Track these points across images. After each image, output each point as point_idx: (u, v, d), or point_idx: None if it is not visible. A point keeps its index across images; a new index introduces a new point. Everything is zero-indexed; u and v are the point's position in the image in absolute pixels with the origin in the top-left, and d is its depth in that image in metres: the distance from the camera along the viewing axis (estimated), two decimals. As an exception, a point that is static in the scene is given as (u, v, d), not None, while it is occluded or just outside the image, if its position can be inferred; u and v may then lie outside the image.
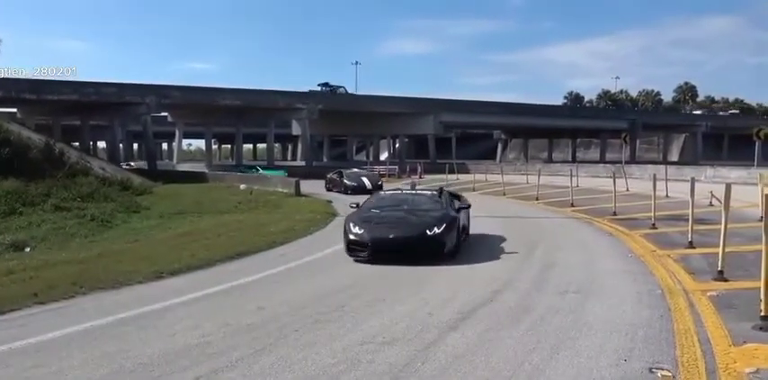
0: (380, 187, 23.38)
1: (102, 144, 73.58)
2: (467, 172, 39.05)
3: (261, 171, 40.64)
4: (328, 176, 31.22)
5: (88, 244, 12.08)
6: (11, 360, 5.04)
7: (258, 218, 16.46)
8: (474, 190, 28.22)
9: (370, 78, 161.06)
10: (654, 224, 13.11)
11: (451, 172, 35.76)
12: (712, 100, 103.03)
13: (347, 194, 25.31)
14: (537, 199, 21.69)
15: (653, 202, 13.58)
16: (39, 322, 6.21)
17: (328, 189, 29.31)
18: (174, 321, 6.32)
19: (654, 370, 4.70)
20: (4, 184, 18.26)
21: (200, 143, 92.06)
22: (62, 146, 26.52)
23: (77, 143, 49.93)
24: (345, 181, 28.37)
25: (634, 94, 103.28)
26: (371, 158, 63.64)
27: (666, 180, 20.44)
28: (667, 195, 18.96)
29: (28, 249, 11.20)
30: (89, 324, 6.11)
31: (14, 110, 49.58)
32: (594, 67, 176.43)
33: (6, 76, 38.88)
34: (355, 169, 33.85)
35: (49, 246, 11.74)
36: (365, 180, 28.64)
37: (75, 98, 42.80)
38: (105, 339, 5.63)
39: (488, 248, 11.39)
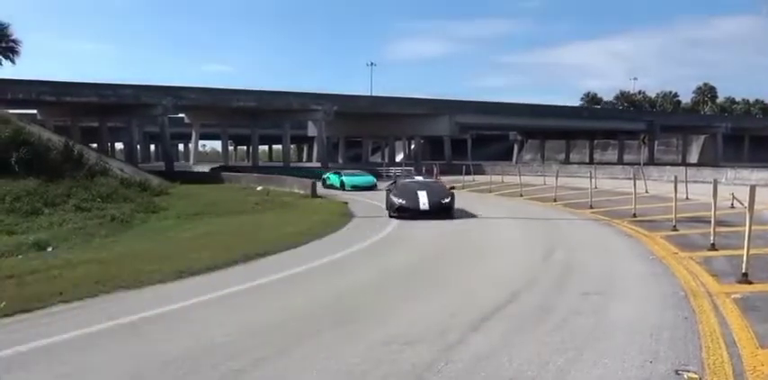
0: (449, 209, 16.64)
1: (119, 145, 74.46)
2: (483, 173, 38.90)
3: (335, 177, 32.67)
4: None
5: (109, 244, 12.18)
6: (37, 358, 5.10)
7: (275, 219, 16.52)
8: (490, 192, 28.13)
9: (385, 80, 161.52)
10: (675, 226, 12.97)
11: (467, 173, 35.64)
12: (732, 101, 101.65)
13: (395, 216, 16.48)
14: (555, 200, 21.55)
15: (674, 203, 13.44)
16: (64, 321, 6.27)
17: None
18: (197, 319, 6.37)
19: (680, 372, 4.66)
20: (26, 184, 18.50)
21: (216, 144, 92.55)
22: (81, 147, 26.78)
23: (96, 144, 50.51)
24: (393, 198, 17.02)
25: (652, 95, 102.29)
26: (387, 160, 63.61)
27: (687, 182, 20.23)
28: (687, 197, 18.76)
29: (50, 249, 11.32)
30: (113, 323, 6.16)
31: (35, 111, 50.27)
32: (611, 68, 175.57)
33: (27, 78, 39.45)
34: (417, 178, 21.38)
35: (71, 245, 11.85)
36: (422, 197, 16.73)
37: (93, 100, 43.29)
38: (129, 338, 5.69)
39: (508, 249, 11.36)
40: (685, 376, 4.59)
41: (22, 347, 5.35)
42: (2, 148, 20.69)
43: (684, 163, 64.64)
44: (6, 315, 6.37)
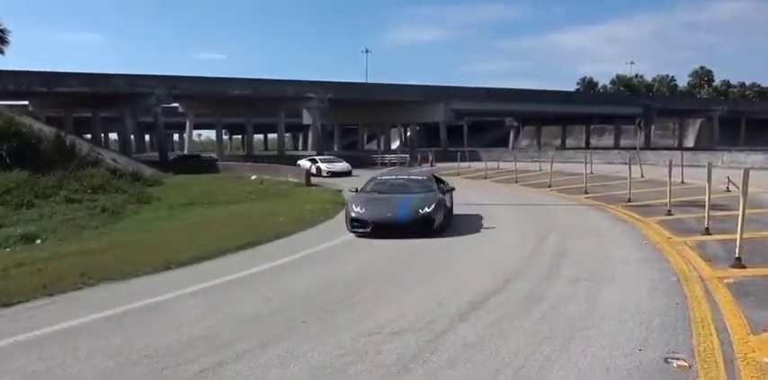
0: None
1: (114, 136, 74.05)
2: (479, 160, 38.76)
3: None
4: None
5: (98, 235, 12.07)
6: (18, 353, 5.01)
7: (268, 208, 16.41)
8: (486, 178, 28.04)
9: (380, 67, 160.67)
10: (669, 211, 12.88)
11: (463, 160, 35.51)
12: (729, 84, 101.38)
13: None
14: (550, 186, 21.45)
15: (668, 188, 13.33)
16: (46, 314, 6.19)
17: None
18: (181, 312, 6.27)
19: (670, 360, 4.57)
20: (16, 176, 18.33)
21: (210, 134, 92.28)
22: (73, 138, 26.61)
23: (89, 135, 50.19)
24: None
25: (649, 79, 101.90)
26: (383, 147, 63.42)
27: (682, 166, 20.13)
28: (683, 182, 18.66)
29: (39, 241, 11.21)
30: (96, 316, 6.07)
31: (26, 103, 49.87)
32: (607, 52, 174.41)
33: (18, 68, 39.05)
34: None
35: (60, 238, 11.74)
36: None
37: (85, 90, 42.92)
38: (112, 331, 5.59)
39: (499, 236, 11.27)
40: (675, 364, 4.51)
41: (2, 342, 5.28)
42: (-8, 140, 20.50)
43: (681, 147, 64.51)
44: (-12, 310, 6.27)
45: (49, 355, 4.94)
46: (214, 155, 55.52)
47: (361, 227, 11.11)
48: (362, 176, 21.24)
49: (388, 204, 11.58)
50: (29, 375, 4.51)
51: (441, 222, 11.43)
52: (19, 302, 6.58)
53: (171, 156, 50.58)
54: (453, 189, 13.89)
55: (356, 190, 13.07)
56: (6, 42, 28.58)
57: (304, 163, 34.84)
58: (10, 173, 18.60)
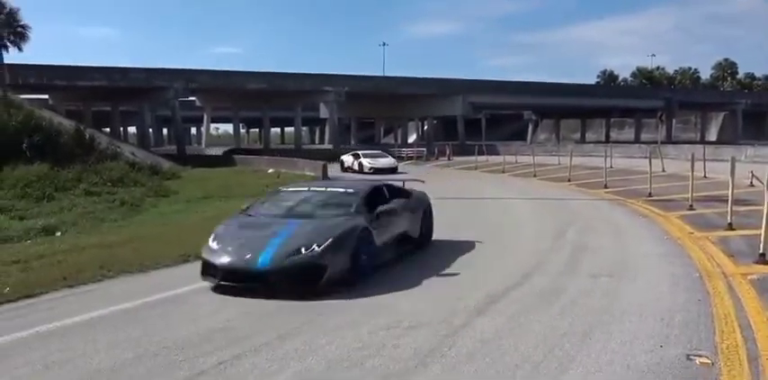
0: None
1: (132, 129, 74.75)
2: (496, 154, 38.52)
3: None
4: None
5: (117, 228, 12.18)
6: (39, 343, 5.06)
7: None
8: (504, 172, 27.86)
9: (397, 60, 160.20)
10: (691, 206, 12.68)
11: (481, 154, 35.30)
12: (753, 77, 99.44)
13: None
14: (569, 180, 21.25)
15: (690, 182, 13.12)
16: (66, 306, 6.24)
17: None
18: (198, 305, 6.29)
19: (692, 357, 4.49)
20: (36, 169, 18.57)
21: (228, 127, 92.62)
22: (92, 131, 26.87)
23: (108, 129, 50.72)
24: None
25: (671, 72, 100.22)
26: (399, 141, 63.29)
27: (704, 160, 19.83)
28: (705, 176, 18.39)
29: (59, 234, 11.33)
30: (115, 308, 6.11)
31: (46, 96, 50.47)
32: (627, 45, 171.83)
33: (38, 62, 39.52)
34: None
35: (80, 230, 11.86)
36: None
37: (104, 84, 43.35)
38: (131, 323, 5.63)
39: (518, 230, 11.19)
40: (697, 361, 4.43)
41: (23, 332, 5.33)
42: (14, 133, 20.76)
43: (703, 141, 63.49)
44: (9, 301, 6.36)
45: (69, 346, 4.99)
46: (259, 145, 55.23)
47: (210, 274, 6.78)
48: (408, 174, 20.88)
49: (259, 237, 6.98)
50: (50, 366, 4.55)
51: (343, 272, 6.66)
52: (40, 293, 6.65)
53: (214, 150, 50.84)
54: (428, 206, 9.74)
55: (243, 210, 8.57)
56: (26, 38, 28.87)
57: (347, 158, 32.21)
58: (31, 166, 18.83)
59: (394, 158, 32.91)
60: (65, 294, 6.74)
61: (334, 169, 28.63)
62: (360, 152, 32.64)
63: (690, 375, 4.23)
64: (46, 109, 31.78)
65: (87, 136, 24.45)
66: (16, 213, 14.11)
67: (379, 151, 34.37)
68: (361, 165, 30.19)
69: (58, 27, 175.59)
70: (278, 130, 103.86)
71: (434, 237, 9.66)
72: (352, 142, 63.93)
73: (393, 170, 28.77)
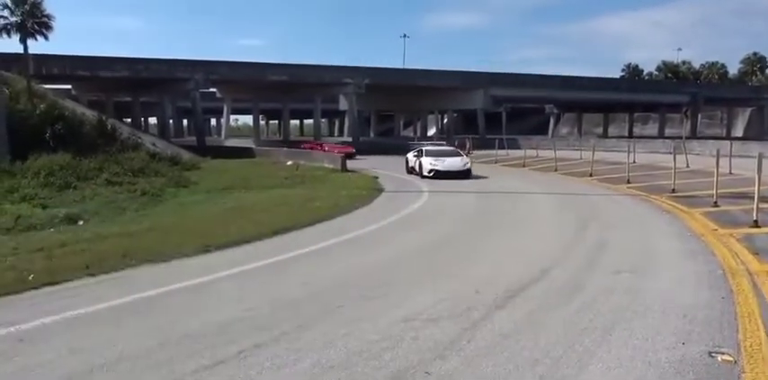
0: None
1: (153, 120, 75.51)
2: (517, 147, 38.25)
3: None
4: None
5: (138, 218, 12.32)
6: (62, 330, 5.14)
7: (304, 193, 16.49)
8: (524, 166, 27.67)
9: (417, 53, 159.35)
10: (716, 202, 12.48)
11: (501, 147, 35.06)
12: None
13: None
14: (591, 175, 21.04)
15: (715, 178, 12.91)
16: (90, 294, 6.32)
17: None
18: (219, 294, 6.35)
19: (714, 354, 4.44)
20: (60, 158, 18.83)
21: (247, 119, 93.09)
22: (114, 122, 27.20)
23: (129, 119, 51.28)
24: None
25: (697, 66, 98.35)
26: (419, 134, 63.10)
27: (730, 156, 19.50)
28: (731, 172, 18.09)
29: (81, 223, 11.49)
30: (138, 296, 6.18)
31: (69, 86, 51.12)
32: (653, 38, 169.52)
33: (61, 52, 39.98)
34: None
35: (102, 219, 12.02)
36: None
37: (126, 75, 43.79)
38: (153, 311, 5.70)
39: (538, 225, 11.10)
40: (719, 359, 4.37)
41: (47, 319, 5.40)
42: (37, 123, 21.07)
43: (729, 137, 62.42)
44: (34, 288, 6.45)
45: (93, 332, 5.06)
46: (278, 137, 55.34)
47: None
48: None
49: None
50: (74, 351, 4.61)
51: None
52: (63, 280, 6.74)
53: (233, 142, 50.99)
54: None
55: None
56: (50, 28, 29.16)
57: (411, 157, 23.91)
58: (54, 155, 19.11)
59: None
60: (88, 282, 6.82)
61: (352, 161, 28.40)
62: (424, 147, 24.38)
63: (712, 372, 4.17)
64: (69, 99, 32.18)
65: (109, 126, 24.76)
66: (39, 202, 14.35)
67: (446, 146, 26.64)
68: (420, 165, 22.15)
69: (82, 18, 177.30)
70: (297, 122, 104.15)
71: (450, 229, 9.61)
72: (372, 135, 63.91)
73: (465, 174, 21.29)
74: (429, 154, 22.64)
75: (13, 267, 7.26)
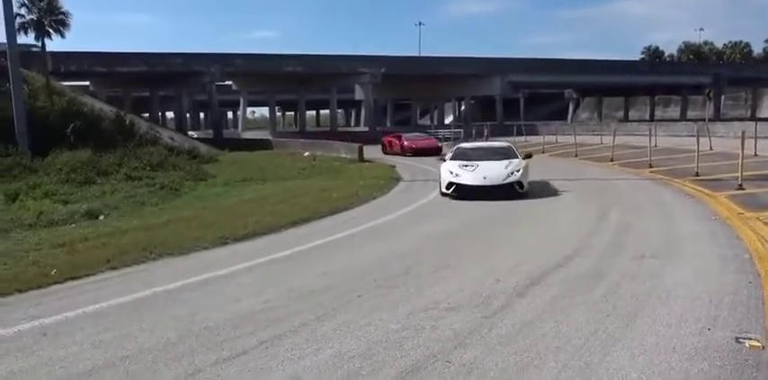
0: None
1: (170, 114, 76.09)
2: (536, 134, 37.87)
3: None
4: None
5: (158, 211, 12.41)
6: (84, 323, 5.18)
7: (321, 184, 16.50)
8: (543, 152, 27.40)
9: (433, 40, 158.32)
10: (741, 185, 12.22)
11: (519, 134, 34.75)
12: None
13: None
14: (612, 160, 20.77)
15: (740, 161, 12.63)
16: (111, 287, 6.38)
17: None
18: (239, 286, 6.36)
19: (741, 340, 4.33)
20: (81, 155, 19.05)
21: (263, 111, 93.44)
22: (132, 117, 27.47)
23: (147, 114, 51.73)
24: None
25: (719, 46, 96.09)
26: (436, 122, 62.78)
27: (756, 137, 19.08)
28: (756, 154, 17.71)
29: (101, 217, 11.59)
30: (158, 289, 6.23)
31: (87, 83, 51.64)
32: (674, 19, 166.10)
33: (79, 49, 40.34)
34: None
35: (122, 214, 12.12)
36: None
37: (143, 70, 44.15)
38: (173, 304, 5.73)
39: (560, 211, 10.99)
40: (747, 344, 4.27)
41: (70, 313, 5.45)
42: (57, 119, 21.33)
43: (754, 118, 61.08)
44: (56, 282, 6.52)
45: (115, 325, 5.09)
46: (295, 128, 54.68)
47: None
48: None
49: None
50: (97, 344, 4.65)
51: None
52: (86, 275, 6.80)
53: (250, 134, 50.61)
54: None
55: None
56: (67, 25, 29.44)
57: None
58: (76, 152, 19.34)
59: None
60: (110, 275, 6.88)
61: (370, 151, 28.29)
62: (460, 145, 16.98)
63: (739, 358, 4.07)
64: (87, 95, 32.51)
65: (127, 121, 25.00)
66: (61, 198, 14.52)
67: (509, 144, 16.30)
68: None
69: (98, 15, 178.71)
70: (313, 112, 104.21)
71: (469, 217, 9.52)
72: (388, 124, 63.73)
73: (520, 187, 13.06)
74: (459, 156, 14.57)
75: (36, 262, 7.35)
